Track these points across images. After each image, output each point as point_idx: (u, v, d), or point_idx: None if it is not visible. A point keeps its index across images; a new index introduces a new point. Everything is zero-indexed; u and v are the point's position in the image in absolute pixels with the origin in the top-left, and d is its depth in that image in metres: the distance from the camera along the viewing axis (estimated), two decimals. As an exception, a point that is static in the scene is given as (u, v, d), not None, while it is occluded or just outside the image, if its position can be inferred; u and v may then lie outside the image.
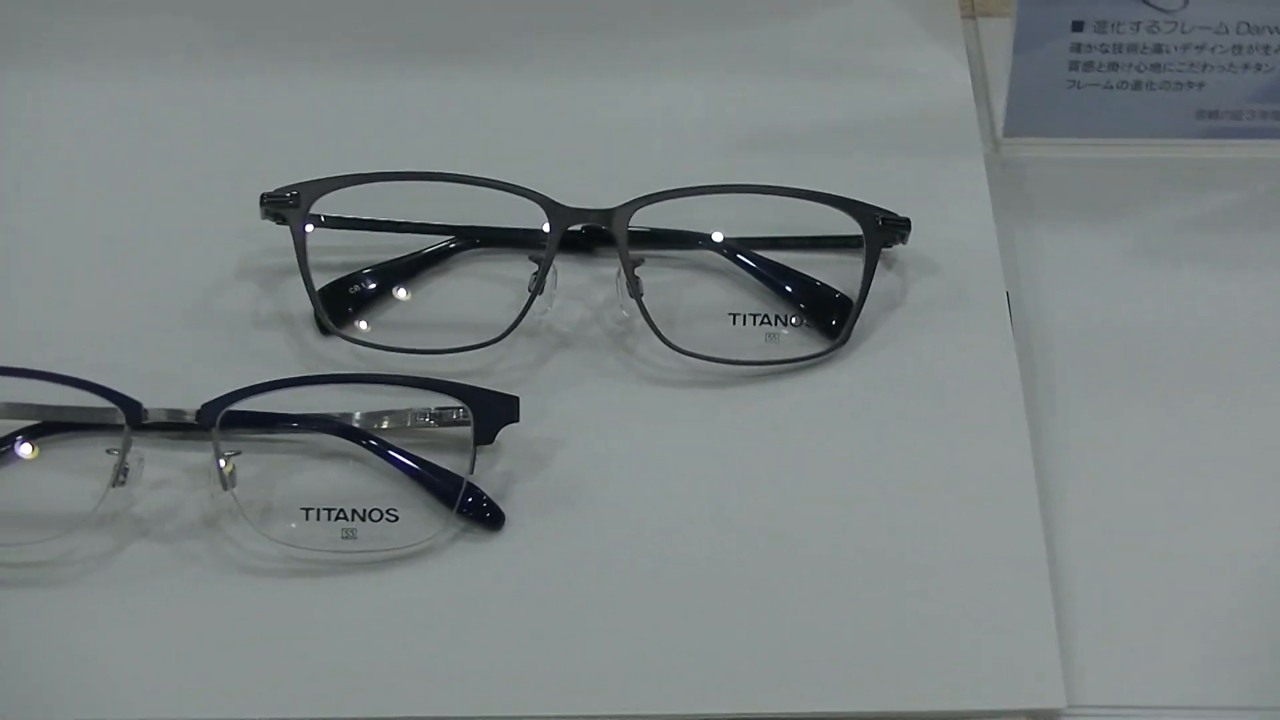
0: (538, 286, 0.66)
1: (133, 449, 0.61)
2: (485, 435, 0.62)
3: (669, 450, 0.64)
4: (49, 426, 0.64)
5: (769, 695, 0.59)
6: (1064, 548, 0.62)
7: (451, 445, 0.64)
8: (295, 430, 0.64)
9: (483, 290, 0.69)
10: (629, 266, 0.66)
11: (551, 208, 0.66)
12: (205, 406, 0.62)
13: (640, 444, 0.65)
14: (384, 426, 0.64)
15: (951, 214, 0.71)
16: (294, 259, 0.67)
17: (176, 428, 0.62)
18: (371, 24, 0.79)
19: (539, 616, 0.60)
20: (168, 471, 0.63)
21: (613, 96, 0.76)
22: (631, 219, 0.66)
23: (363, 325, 0.67)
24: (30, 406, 0.63)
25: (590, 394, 0.66)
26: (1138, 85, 0.72)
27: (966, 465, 0.64)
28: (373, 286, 0.68)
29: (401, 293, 0.68)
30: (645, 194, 0.66)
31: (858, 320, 0.67)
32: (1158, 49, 0.71)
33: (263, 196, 0.66)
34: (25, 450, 0.63)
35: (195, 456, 0.63)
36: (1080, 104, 0.72)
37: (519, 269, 0.68)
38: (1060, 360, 0.67)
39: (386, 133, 0.74)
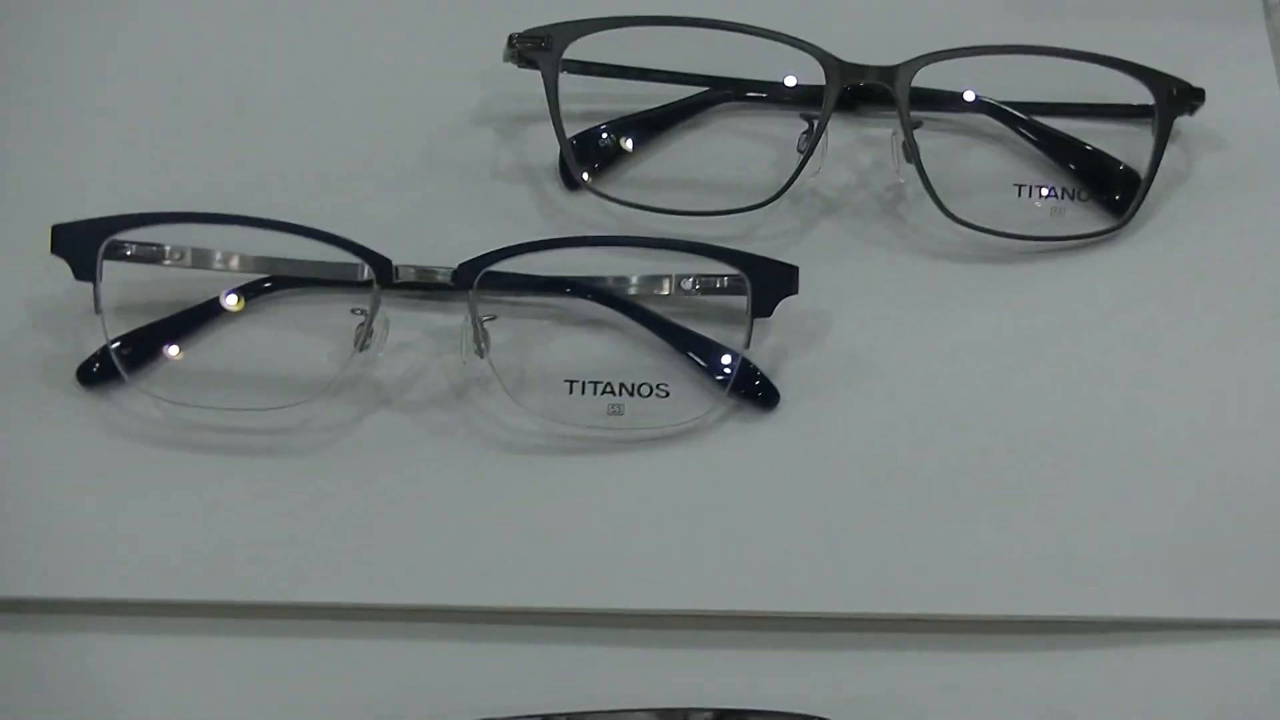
0: (810, 148, 0.60)
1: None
2: (764, 308, 0.57)
3: (946, 329, 0.60)
4: (286, 281, 0.59)
5: (1043, 598, 0.55)
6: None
7: (715, 315, 0.59)
8: (556, 294, 0.59)
9: (740, 148, 0.63)
10: (909, 128, 0.60)
11: (830, 63, 0.60)
12: (462, 266, 0.56)
13: (915, 321, 0.60)
14: (647, 293, 0.59)
15: (1235, 86, 0.65)
16: (534, 106, 0.61)
17: (428, 288, 0.57)
18: None
19: (812, 505, 0.56)
20: (409, 334, 0.58)
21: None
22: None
23: (611, 181, 0.62)
24: (266, 260, 0.58)
25: (860, 265, 0.61)
26: None
27: (1248, 363, 0.59)
28: (623, 139, 0.63)
29: (653, 147, 0.63)
30: (929, 51, 0.61)
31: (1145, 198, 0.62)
32: None
33: (511, 37, 0.61)
34: (259, 306, 0.58)
35: (440, 319, 0.58)
36: (1366, -34, 0.68)
37: (779, 126, 0.63)
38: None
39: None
